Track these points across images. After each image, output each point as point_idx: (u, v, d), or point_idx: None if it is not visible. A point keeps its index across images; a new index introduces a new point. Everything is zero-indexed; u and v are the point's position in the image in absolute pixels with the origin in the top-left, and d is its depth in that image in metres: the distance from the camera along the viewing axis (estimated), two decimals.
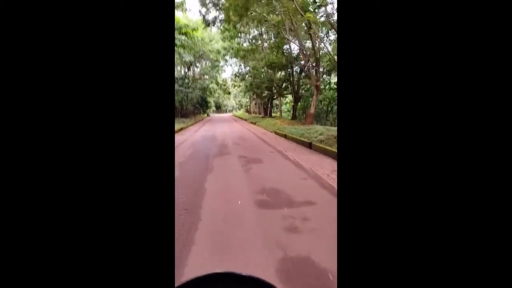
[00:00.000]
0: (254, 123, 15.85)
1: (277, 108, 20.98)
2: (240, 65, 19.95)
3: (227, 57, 22.04)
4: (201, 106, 29.20)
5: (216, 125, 15.94)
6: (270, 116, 19.33)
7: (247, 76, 21.01)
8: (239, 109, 48.70)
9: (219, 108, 53.73)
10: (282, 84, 16.03)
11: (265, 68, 14.34)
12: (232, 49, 18.37)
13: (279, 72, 15.65)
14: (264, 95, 18.70)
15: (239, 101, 44.57)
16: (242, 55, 18.22)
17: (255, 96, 27.11)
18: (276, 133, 9.95)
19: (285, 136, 8.50)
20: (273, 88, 17.20)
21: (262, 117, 19.79)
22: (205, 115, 33.57)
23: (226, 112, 55.48)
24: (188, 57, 16.24)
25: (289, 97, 21.56)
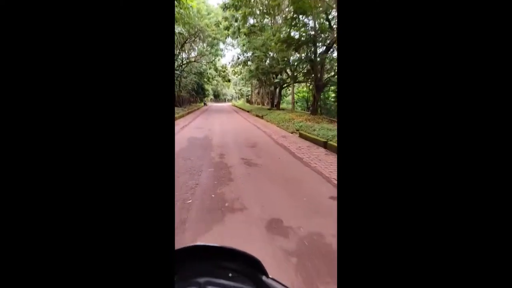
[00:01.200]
0: (261, 117, 12.32)
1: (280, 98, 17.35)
2: (244, 45, 16.18)
3: (228, 34, 18.09)
4: (197, 94, 25.46)
5: (213, 118, 12.35)
6: (278, 107, 15.80)
7: (250, 60, 17.30)
8: (238, 98, 44.86)
9: (217, 96, 49.67)
10: (301, 67, 12.36)
11: (277, 47, 10.70)
12: (236, 20, 14.55)
13: (295, 53, 12.02)
14: (275, 80, 15.01)
15: (240, 89, 40.63)
16: (247, 31, 14.46)
17: (258, 84, 23.44)
18: (302, 135, 6.47)
19: (324, 146, 5.04)
20: (286, 72, 13.56)
21: (268, 109, 16.25)
22: (202, 104, 29.80)
23: (225, 101, 51.51)
24: (178, 29, 12.45)
25: (298, 87, 17.93)
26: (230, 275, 0.43)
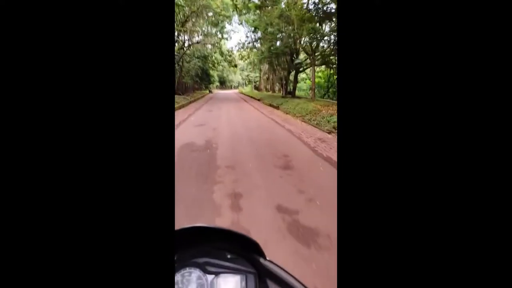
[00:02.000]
0: (277, 107, 10.02)
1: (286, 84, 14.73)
2: (254, 21, 13.53)
3: (236, 6, 15.53)
4: (201, 80, 23.05)
5: (219, 110, 10.12)
6: (294, 95, 13.43)
7: (261, 39, 14.80)
8: (245, 85, 42.13)
9: (223, 83, 46.82)
10: (331, 43, 9.86)
11: (302, 14, 8.22)
12: None
13: (319, 26, 9.50)
14: (297, 61, 12.44)
15: (247, 75, 37.82)
16: (257, 4, 11.92)
17: (269, 69, 20.82)
18: None
19: None
20: (307, 52, 11.07)
21: (282, 96, 13.88)
22: (207, 91, 27.39)
23: (231, 88, 48.74)
24: None
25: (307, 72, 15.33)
26: (228, 256, 0.43)
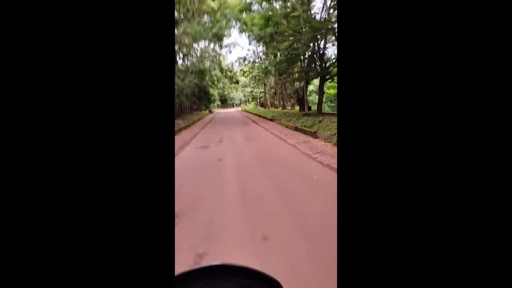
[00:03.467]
0: (315, 135, 6.08)
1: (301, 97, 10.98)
2: (262, 17, 10.06)
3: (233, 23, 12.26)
4: (199, 100, 19.45)
5: (220, 144, 6.19)
6: (320, 111, 9.61)
7: (269, 45, 11.33)
8: (248, 102, 38.80)
9: (224, 101, 43.54)
10: None
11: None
12: None
13: None
14: (326, 66, 8.79)
15: (250, 91, 34.48)
16: None
17: (277, 82, 17.31)
18: None
19: None
20: None
21: (304, 114, 10.06)
22: (206, 111, 23.80)
23: (233, 106, 45.41)
24: None
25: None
26: None
